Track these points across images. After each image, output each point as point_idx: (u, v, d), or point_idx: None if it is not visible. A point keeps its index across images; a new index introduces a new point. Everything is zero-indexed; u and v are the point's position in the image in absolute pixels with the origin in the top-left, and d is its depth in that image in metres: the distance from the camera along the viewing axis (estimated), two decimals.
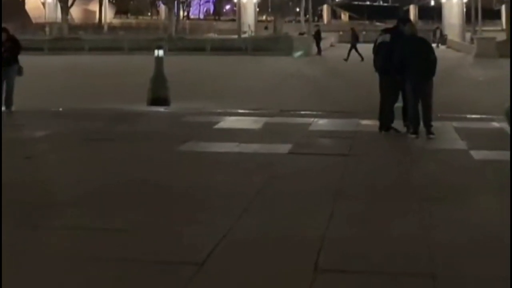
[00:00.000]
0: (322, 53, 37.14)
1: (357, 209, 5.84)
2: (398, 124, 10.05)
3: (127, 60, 31.04)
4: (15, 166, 7.49)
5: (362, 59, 29.66)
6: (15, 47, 12.45)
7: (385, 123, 10.02)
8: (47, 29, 59.65)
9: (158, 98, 14.47)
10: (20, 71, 12.47)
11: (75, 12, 71.19)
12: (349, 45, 33.35)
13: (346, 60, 31.11)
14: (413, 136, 9.66)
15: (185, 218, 5.56)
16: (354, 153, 8.48)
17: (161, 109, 13.48)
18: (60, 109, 13.17)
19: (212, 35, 54.33)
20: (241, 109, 13.41)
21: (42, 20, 63.06)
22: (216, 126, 10.82)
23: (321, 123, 11.31)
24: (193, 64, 29.26)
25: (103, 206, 5.91)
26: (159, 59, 14.64)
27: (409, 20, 10.94)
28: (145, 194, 6.36)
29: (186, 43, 40.25)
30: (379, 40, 10.08)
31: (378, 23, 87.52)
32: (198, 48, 38.09)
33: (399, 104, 10.14)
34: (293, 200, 6.17)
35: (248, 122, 11.41)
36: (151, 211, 5.77)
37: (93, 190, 6.48)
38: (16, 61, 12.39)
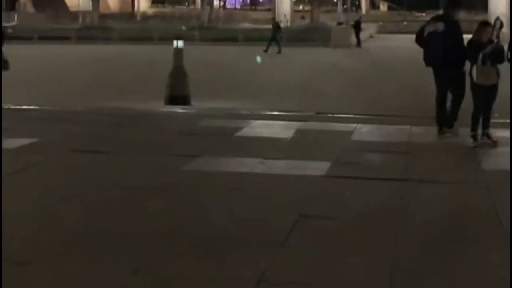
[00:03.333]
0: (362, 44, 34.95)
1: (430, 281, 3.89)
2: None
3: (156, 50, 29.22)
4: None
5: (280, 51, 29.63)
6: None
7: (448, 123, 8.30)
8: (80, 17, 58.56)
9: (177, 95, 12.66)
10: (5, 65, 10.69)
11: (112, 1, 70.02)
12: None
13: (265, 51, 30.00)
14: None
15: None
16: (414, 177, 6.46)
17: (178, 109, 11.61)
18: (61, 108, 11.43)
19: (247, 25, 52.34)
20: (271, 109, 11.48)
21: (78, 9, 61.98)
22: (238, 133, 8.92)
23: (366, 130, 9.31)
24: (223, 55, 27.42)
25: (68, 262, 4.07)
26: (178, 52, 12.79)
27: (459, 3, 9.00)
28: (126, 239, 4.50)
29: (218, 32, 38.46)
30: (429, 30, 8.36)
31: (417, 13, 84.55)
32: (230, 38, 36.27)
33: None
34: (332, 260, 4.24)
35: (277, 128, 9.47)
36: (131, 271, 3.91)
37: (52, 237, 4.64)
38: None
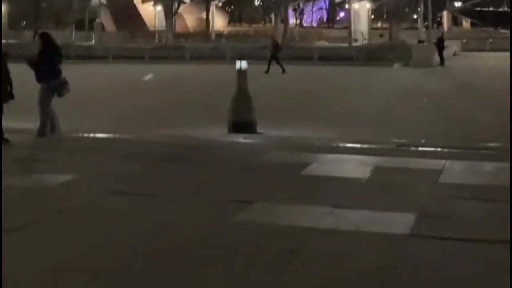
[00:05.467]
0: (446, 63, 33.02)
1: None
2: None
3: (227, 70, 28.47)
4: None
5: (284, 71, 27.60)
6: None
7: None
8: (156, 37, 58.95)
9: (240, 122, 11.53)
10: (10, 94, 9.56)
11: (190, 21, 70.26)
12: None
13: (267, 72, 27.45)
14: None
15: None
16: None
17: (240, 138, 10.46)
18: (112, 136, 10.49)
19: (322, 43, 51.07)
20: (345, 140, 10.17)
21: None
22: (305, 171, 7.65)
23: (457, 169, 7.86)
24: (296, 75, 26.25)
25: None
26: (241, 73, 11.66)
27: None
28: None
29: (292, 51, 37.20)
30: None
31: (503, 30, 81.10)
32: (304, 57, 35.06)
33: None
34: None
35: (351, 164, 8.15)
36: None
37: None
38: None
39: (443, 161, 8.14)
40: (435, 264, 4.53)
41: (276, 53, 29.33)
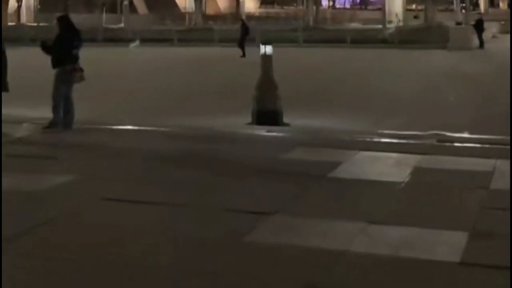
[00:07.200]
0: (485, 45, 31.55)
1: None
2: None
3: (256, 53, 27.51)
4: None
5: (244, 55, 26.83)
6: None
7: None
8: (186, 19, 58.01)
9: (265, 111, 10.57)
10: (5, 86, 8.70)
11: (222, 2, 69.33)
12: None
13: (242, 56, 26.68)
14: None
15: None
16: None
17: (263, 131, 9.46)
18: (123, 127, 9.62)
19: (355, 25, 49.56)
20: (380, 134, 9.13)
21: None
22: (334, 173, 6.66)
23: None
24: (327, 59, 25.14)
25: None
26: (266, 59, 10.68)
27: None
28: None
29: (323, 33, 36.00)
30: None
31: None
32: (336, 39, 33.76)
33: None
34: None
35: (387, 164, 7.13)
36: None
37: None
38: None
39: (493, 161, 7.08)
40: None
41: (244, 36, 28.38)
